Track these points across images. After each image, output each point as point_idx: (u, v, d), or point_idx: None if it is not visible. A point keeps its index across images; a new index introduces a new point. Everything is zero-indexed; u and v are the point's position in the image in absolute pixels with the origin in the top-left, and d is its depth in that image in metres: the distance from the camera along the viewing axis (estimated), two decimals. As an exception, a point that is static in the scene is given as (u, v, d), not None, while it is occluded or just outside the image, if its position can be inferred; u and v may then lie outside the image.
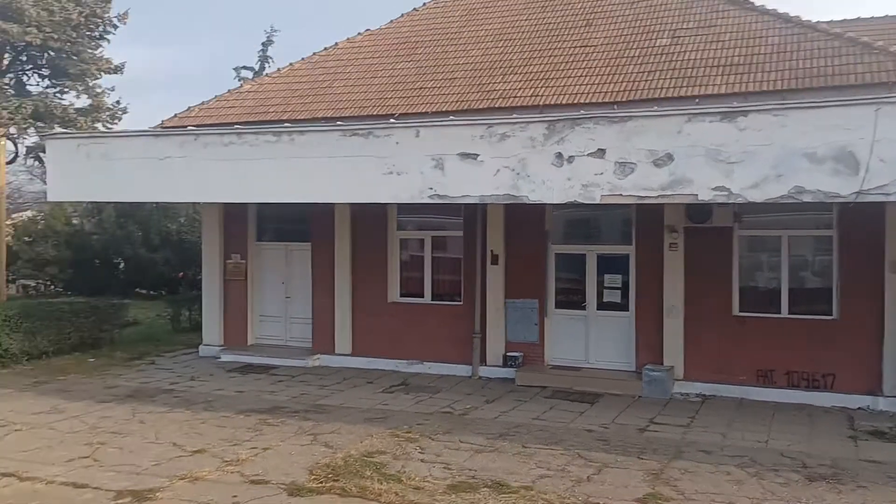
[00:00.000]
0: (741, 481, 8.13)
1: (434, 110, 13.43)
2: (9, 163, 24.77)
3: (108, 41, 25.47)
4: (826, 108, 8.76)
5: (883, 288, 11.47)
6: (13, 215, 31.32)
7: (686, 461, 8.81)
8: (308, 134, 11.13)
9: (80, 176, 12.57)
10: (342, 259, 14.99)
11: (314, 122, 13.47)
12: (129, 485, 7.95)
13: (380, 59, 16.13)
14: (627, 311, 13.23)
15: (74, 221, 28.64)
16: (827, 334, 11.89)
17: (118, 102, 25.85)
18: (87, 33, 24.43)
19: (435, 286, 14.73)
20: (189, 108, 16.15)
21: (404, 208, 14.31)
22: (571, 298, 13.69)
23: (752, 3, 14.29)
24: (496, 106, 13.21)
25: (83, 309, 16.74)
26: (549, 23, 15.81)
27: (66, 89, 24.85)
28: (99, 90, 25.36)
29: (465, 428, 10.23)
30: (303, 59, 17.05)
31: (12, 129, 23.58)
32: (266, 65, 33.80)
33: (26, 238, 27.77)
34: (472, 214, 13.67)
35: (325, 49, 17.16)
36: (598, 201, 9.49)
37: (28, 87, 25.09)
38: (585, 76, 13.54)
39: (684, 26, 14.25)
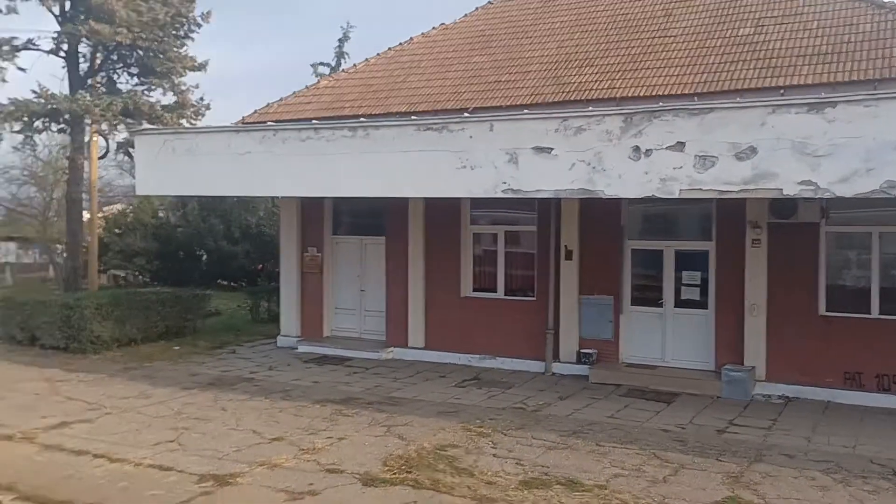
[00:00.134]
0: (826, 487, 7.82)
1: (508, 104, 13.38)
2: (100, 158, 25.98)
3: (193, 40, 26.23)
4: (923, 97, 8.31)
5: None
6: (104, 208, 32.89)
7: (767, 465, 8.53)
8: (383, 129, 11.23)
9: (166, 170, 13.04)
10: (416, 253, 15.12)
11: (389, 116, 13.62)
12: (212, 469, 8.24)
13: (454, 53, 16.16)
14: (706, 308, 12.88)
15: (161, 214, 29.82)
16: (922, 336, 11.30)
17: (202, 99, 26.60)
18: (173, 32, 25.24)
19: (508, 281, 14.68)
20: (268, 104, 16.58)
21: (478, 203, 14.31)
22: (647, 295, 13.42)
23: (843, -11, 13.66)
24: (571, 99, 13.05)
25: (169, 299, 17.42)
26: (627, 14, 15.51)
27: (153, 87, 25.76)
28: (184, 87, 26.17)
29: (537, 424, 10.18)
30: (378, 54, 17.25)
31: (104, 126, 24.66)
32: (342, 61, 34.26)
33: (116, 230, 29.13)
34: (546, 209, 13.56)
35: (400, 44, 17.31)
36: (676, 196, 9.25)
37: (118, 85, 26.13)
38: (664, 68, 13.23)
39: (769, 14, 13.75)
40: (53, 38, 24.46)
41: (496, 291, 14.72)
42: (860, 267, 12.04)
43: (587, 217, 13.48)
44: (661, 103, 9.97)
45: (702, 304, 12.95)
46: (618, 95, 12.76)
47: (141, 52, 24.91)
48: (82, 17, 23.44)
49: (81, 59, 25.27)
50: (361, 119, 12.13)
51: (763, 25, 13.47)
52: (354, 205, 15.65)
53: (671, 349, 13.18)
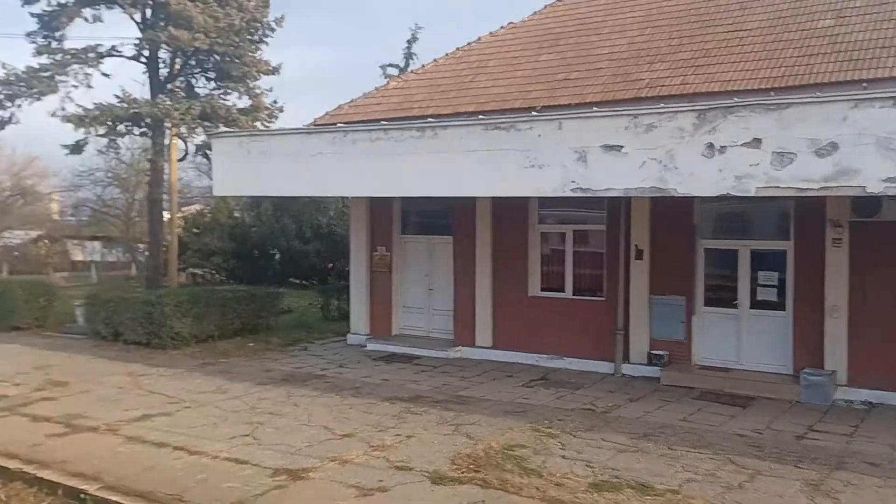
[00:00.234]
0: (913, 498, 7.48)
1: (577, 102, 13.24)
2: (180, 160, 26.87)
3: (267, 44, 26.88)
4: None
5: None
6: (183, 209, 34.02)
7: (849, 473, 8.21)
8: (450, 128, 11.27)
9: (242, 172, 13.41)
10: (483, 252, 15.13)
11: (457, 116, 13.65)
12: (285, 463, 8.45)
13: (522, 51, 16.08)
14: (784, 310, 12.48)
15: (236, 214, 30.68)
16: None
17: (275, 102, 27.20)
18: (248, 37, 25.93)
19: (576, 281, 14.55)
20: (339, 105, 16.86)
21: (545, 202, 14.21)
22: (721, 296, 13.08)
23: (933, -24, 13.00)
24: (642, 96, 12.82)
25: (244, 296, 17.93)
26: (699, 7, 15.14)
27: (229, 91, 26.53)
28: (258, 91, 26.83)
29: (607, 426, 10.06)
30: (446, 55, 17.31)
31: (183, 129, 25.52)
32: (411, 62, 34.54)
33: (195, 230, 30.13)
34: (616, 208, 13.37)
35: (468, 44, 17.33)
36: (752, 194, 8.98)
37: (196, 89, 27.00)
38: (739, 62, 12.86)
39: (850, 5, 13.21)
40: (135, 45, 25.48)
41: (564, 291, 14.60)
42: (951, 267, 11.46)
43: (658, 216, 13.23)
44: (735, 99, 9.67)
45: (779, 306, 12.55)
46: (691, 91, 12.47)
47: (217, 57, 25.66)
48: (162, 24, 24.33)
49: (161, 65, 26.23)
50: (429, 119, 12.21)
51: (844, 17, 12.94)
52: (422, 204, 15.77)
53: (746, 351, 12.81)
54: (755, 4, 14.42)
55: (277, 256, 28.65)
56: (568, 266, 14.62)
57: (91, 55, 25.02)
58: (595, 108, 11.04)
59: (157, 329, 15.89)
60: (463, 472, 8.12)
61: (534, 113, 11.44)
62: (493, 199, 14.32)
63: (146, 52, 25.67)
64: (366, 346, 16.03)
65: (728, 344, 12.94)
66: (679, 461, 8.58)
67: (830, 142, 8.43)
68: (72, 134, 25.75)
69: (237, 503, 7.41)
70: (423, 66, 18.22)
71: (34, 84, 24.55)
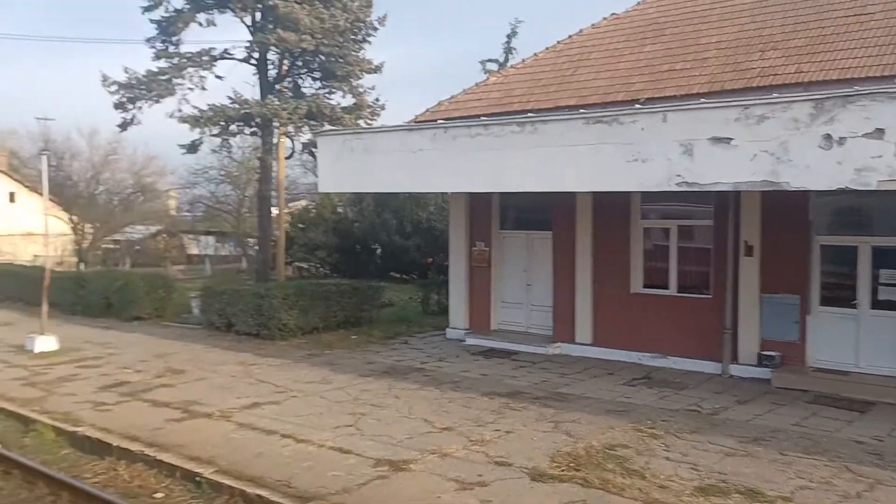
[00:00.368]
0: None
1: (683, 94, 12.84)
2: (287, 158, 27.89)
3: (370, 43, 27.49)
4: None
5: None
6: (290, 205, 35.27)
7: (983, 487, 7.63)
8: (551, 123, 11.17)
9: (346, 168, 13.76)
10: (583, 248, 14.92)
11: (558, 110, 13.50)
12: (386, 455, 8.63)
13: (625, 43, 15.73)
14: (909, 310, 11.70)
15: (339, 210, 31.54)
16: None
17: (377, 100, 27.83)
18: (352, 37, 26.61)
19: (680, 277, 14.11)
20: (439, 102, 16.99)
21: (648, 196, 13.85)
22: (838, 295, 12.38)
23: None
24: (753, 86, 12.31)
25: (347, 290, 18.41)
26: (816, -10, 14.35)
27: (333, 90, 27.33)
28: (361, 90, 27.51)
29: (713, 428, 9.73)
30: (546, 48, 17.15)
31: (290, 128, 26.47)
32: (510, 56, 34.46)
33: (301, 225, 31.17)
34: (724, 202, 12.87)
35: (569, 37, 17.11)
36: (874, 188, 8.46)
37: (303, 89, 27.94)
38: (859, 48, 12.13)
39: None
40: (246, 47, 26.63)
41: (668, 288, 14.20)
42: None
43: (770, 211, 12.65)
44: (855, 87, 9.13)
45: (904, 306, 11.78)
46: (806, 80, 11.87)
47: (323, 58, 26.45)
48: (271, 27, 25.29)
49: (270, 66, 27.28)
50: (529, 114, 12.13)
51: (982, -6, 11.98)
52: (521, 200, 15.70)
53: (866, 354, 12.07)
54: (878, -15, 13.54)
55: (379, 251, 29.23)
56: (672, 262, 14.21)
57: (205, 58, 26.31)
58: (702, 100, 10.68)
59: (266, 321, 16.54)
60: (563, 471, 8.06)
61: (637, 105, 11.17)
62: (594, 194, 14.09)
63: (256, 55, 26.75)
64: (464, 341, 16.14)
65: (846, 345, 12.24)
66: (791, 467, 8.21)
67: (964, 131, 7.82)
68: (188, 134, 27.23)
69: (342, 491, 7.63)
70: (522, 60, 18.12)
71: (153, 87, 26.07)
